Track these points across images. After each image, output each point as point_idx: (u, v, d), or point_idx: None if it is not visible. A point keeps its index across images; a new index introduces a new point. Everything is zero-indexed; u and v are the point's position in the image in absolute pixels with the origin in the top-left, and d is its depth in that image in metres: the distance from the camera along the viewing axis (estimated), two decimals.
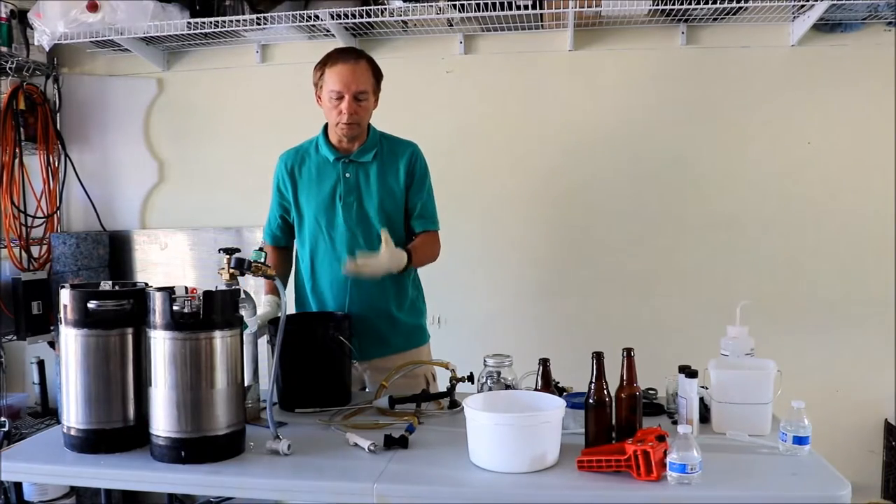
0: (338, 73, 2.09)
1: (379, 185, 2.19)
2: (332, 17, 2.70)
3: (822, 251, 2.83)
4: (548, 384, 1.79)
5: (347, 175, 2.19)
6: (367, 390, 2.22)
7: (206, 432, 1.59)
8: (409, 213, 2.24)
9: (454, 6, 2.65)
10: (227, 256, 1.76)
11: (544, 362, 1.81)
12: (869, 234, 2.80)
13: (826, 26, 2.73)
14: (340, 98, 2.09)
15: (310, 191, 2.23)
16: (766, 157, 2.84)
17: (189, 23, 2.79)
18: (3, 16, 2.92)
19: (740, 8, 2.60)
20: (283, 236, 2.33)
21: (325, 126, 2.24)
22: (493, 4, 2.61)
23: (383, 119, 3.02)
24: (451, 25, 2.88)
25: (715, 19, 2.76)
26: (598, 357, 1.63)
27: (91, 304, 1.64)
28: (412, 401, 1.95)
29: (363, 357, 2.16)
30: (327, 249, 2.20)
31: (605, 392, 1.61)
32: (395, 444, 1.66)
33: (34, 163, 3.16)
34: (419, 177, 2.23)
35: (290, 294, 2.31)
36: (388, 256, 2.02)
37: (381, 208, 2.18)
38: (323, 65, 2.13)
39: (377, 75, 2.17)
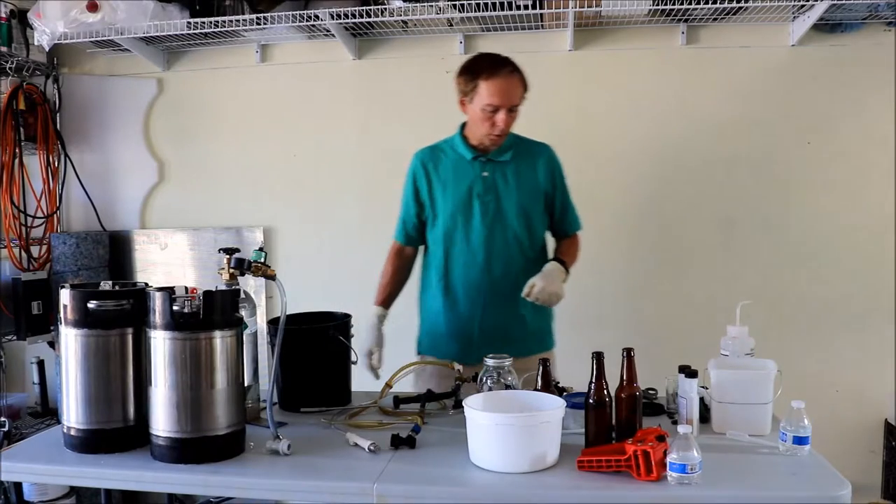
0: (496, 86, 2.06)
1: (518, 185, 2.18)
2: (332, 17, 2.69)
3: (822, 251, 2.83)
4: (548, 384, 1.79)
5: (485, 174, 2.18)
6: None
7: (206, 432, 1.59)
8: (555, 215, 2.26)
9: (454, 6, 2.65)
10: (227, 256, 1.76)
11: (544, 362, 1.81)
12: (869, 234, 2.79)
13: (826, 26, 2.73)
14: (495, 111, 2.07)
15: (446, 189, 2.22)
16: (765, 157, 2.84)
17: (189, 23, 2.79)
18: (3, 16, 2.92)
19: (740, 8, 2.60)
20: (418, 236, 2.32)
21: (463, 125, 2.23)
22: (493, 4, 2.60)
23: (384, 119, 3.04)
24: (451, 25, 2.88)
25: (715, 19, 2.76)
26: (598, 357, 1.63)
27: (91, 304, 1.64)
28: (417, 401, 1.95)
29: None
30: (462, 248, 2.20)
31: (605, 392, 1.61)
32: (402, 443, 1.66)
33: (34, 163, 3.16)
34: (560, 178, 2.25)
35: (411, 292, 2.36)
36: (542, 283, 2.07)
37: (520, 207, 2.18)
38: (476, 74, 2.08)
39: (526, 86, 2.13)
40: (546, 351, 2.24)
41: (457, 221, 2.20)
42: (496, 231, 2.18)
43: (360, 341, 2.23)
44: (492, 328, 2.19)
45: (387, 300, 2.32)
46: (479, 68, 2.09)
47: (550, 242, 2.34)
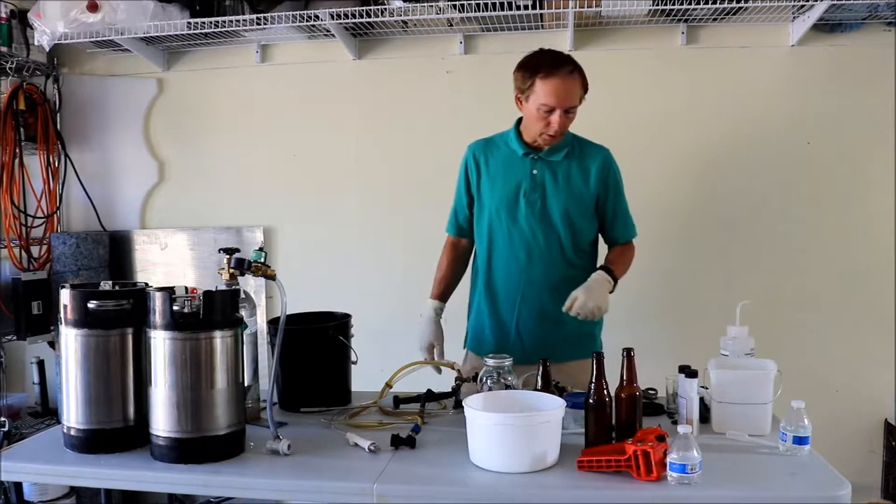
0: (553, 87, 1.99)
1: (566, 187, 2.13)
2: (332, 17, 2.69)
3: (822, 251, 2.83)
4: (548, 384, 1.79)
5: (535, 172, 2.14)
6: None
7: (206, 432, 1.59)
8: (605, 221, 2.20)
9: (454, 6, 2.65)
10: (227, 256, 1.76)
11: (544, 362, 1.81)
12: (868, 234, 2.80)
13: (826, 26, 2.73)
14: (550, 111, 2.02)
15: (494, 183, 2.18)
16: (765, 157, 2.84)
17: (189, 23, 2.79)
18: (3, 16, 2.91)
19: (740, 8, 2.60)
20: (469, 228, 2.29)
21: (519, 120, 2.20)
22: (493, 4, 2.60)
23: (384, 119, 3.04)
24: (451, 25, 2.88)
25: (715, 19, 2.76)
26: (598, 357, 1.63)
27: (91, 304, 1.64)
28: (416, 401, 1.95)
29: (525, 361, 1.94)
30: (505, 245, 2.16)
31: (605, 392, 1.61)
32: (402, 443, 1.66)
33: (34, 163, 3.16)
34: (614, 184, 2.18)
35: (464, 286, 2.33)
36: (584, 298, 2.01)
37: (565, 211, 2.13)
38: (534, 72, 2.02)
39: (585, 87, 2.07)
40: (589, 358, 2.19)
41: (501, 217, 2.16)
42: (539, 231, 2.14)
43: (418, 336, 2.22)
44: (528, 330, 2.16)
45: (443, 293, 2.29)
46: (538, 66, 2.03)
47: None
